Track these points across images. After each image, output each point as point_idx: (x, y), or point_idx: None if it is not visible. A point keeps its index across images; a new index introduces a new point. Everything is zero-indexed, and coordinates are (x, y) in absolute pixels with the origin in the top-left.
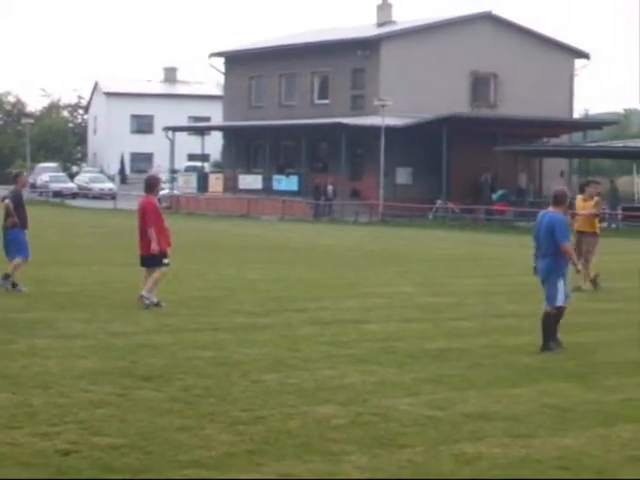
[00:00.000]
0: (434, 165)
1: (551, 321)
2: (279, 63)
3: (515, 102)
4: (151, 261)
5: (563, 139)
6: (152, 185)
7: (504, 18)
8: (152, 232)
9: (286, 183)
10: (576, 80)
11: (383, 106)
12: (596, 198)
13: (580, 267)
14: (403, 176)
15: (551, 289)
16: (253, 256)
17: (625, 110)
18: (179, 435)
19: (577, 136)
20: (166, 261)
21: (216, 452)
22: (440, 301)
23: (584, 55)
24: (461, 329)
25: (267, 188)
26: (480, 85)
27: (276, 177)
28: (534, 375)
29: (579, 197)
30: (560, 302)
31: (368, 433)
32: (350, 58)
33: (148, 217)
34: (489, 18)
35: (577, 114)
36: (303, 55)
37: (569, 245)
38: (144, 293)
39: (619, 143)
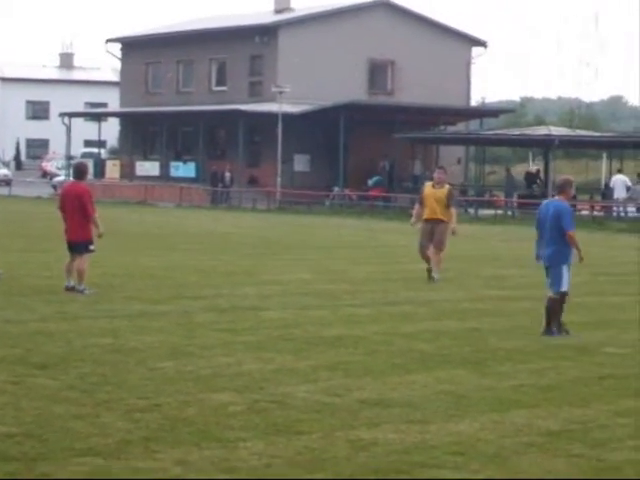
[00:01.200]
0: (332, 152)
1: (556, 307)
2: (176, 49)
3: (412, 89)
4: (79, 247)
5: (460, 127)
6: (83, 172)
7: (401, 6)
8: (96, 218)
9: (184, 170)
10: (473, 68)
11: (281, 93)
12: (447, 186)
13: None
14: (301, 163)
15: (556, 276)
16: (150, 243)
17: (521, 98)
18: (75, 423)
19: (474, 124)
20: (92, 247)
21: (112, 439)
22: (337, 288)
23: (481, 43)
24: (358, 316)
25: (164, 175)
26: (377, 72)
27: (173, 164)
28: (429, 362)
29: (428, 184)
30: (564, 288)
31: (265, 420)
32: (248, 45)
33: (90, 204)
34: (386, 6)
35: (474, 102)
36: (201, 41)
37: (574, 233)
38: (78, 286)
39: (515, 131)
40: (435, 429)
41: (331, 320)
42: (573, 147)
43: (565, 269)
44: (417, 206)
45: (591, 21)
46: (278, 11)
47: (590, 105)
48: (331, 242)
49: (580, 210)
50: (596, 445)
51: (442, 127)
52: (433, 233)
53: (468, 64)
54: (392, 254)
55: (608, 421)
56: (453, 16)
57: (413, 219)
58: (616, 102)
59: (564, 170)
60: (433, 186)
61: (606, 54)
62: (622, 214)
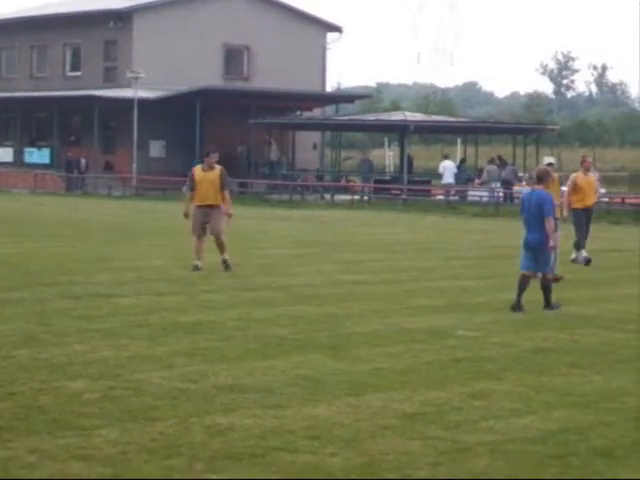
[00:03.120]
0: (188, 138)
1: (549, 284)
2: (30, 34)
3: (268, 75)
4: None
5: (316, 112)
6: None
7: None
8: None
9: (38, 156)
10: (329, 54)
11: (136, 78)
12: (218, 167)
13: (552, 243)
14: (157, 149)
15: (544, 258)
16: (3, 230)
17: (377, 84)
18: None
19: (330, 109)
20: None
21: None
22: (192, 274)
23: (336, 29)
24: (213, 302)
25: (18, 161)
26: (233, 58)
27: (28, 150)
28: (286, 347)
29: (197, 167)
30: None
31: (120, 407)
32: (102, 30)
33: None
34: None
35: (330, 87)
36: (55, 26)
37: (552, 221)
38: None
39: (371, 116)
40: (291, 414)
41: (187, 306)
42: (428, 132)
43: (552, 253)
44: (189, 192)
45: (446, 7)
46: None
47: (445, 91)
48: (186, 228)
49: (435, 195)
50: (451, 427)
51: (298, 113)
52: (208, 221)
53: (323, 50)
54: (249, 239)
55: (462, 403)
56: (309, 2)
57: (185, 209)
58: (470, 88)
59: (420, 155)
60: (203, 169)
61: (461, 41)
62: (477, 198)
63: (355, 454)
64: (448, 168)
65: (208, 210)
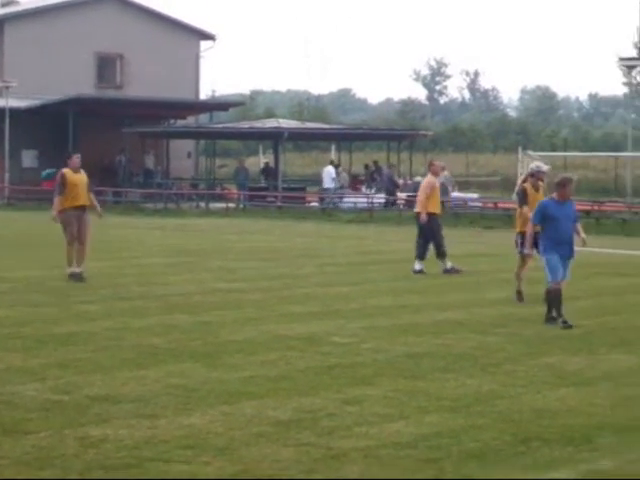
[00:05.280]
0: (61, 147)
1: (546, 296)
2: None
3: (142, 83)
4: None
5: (190, 120)
6: None
7: (130, 0)
8: None
9: None
10: (202, 62)
11: (7, 87)
12: (81, 170)
13: (528, 251)
14: (29, 159)
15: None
16: None
17: (251, 91)
18: None
19: (204, 117)
20: None
21: None
22: (67, 285)
23: (209, 37)
24: (88, 312)
25: None
26: (106, 66)
27: None
28: (160, 356)
29: (67, 170)
30: (549, 278)
31: None
32: None
33: None
34: (115, 0)
35: (204, 95)
36: None
37: (531, 226)
38: None
39: (245, 124)
40: (165, 423)
41: (62, 317)
42: (302, 139)
43: (545, 261)
44: (58, 196)
45: (322, 13)
46: (4, 4)
47: (319, 98)
48: (61, 238)
49: (310, 202)
50: (325, 433)
51: (172, 121)
52: (80, 224)
53: (197, 58)
54: (124, 249)
55: (336, 409)
56: (182, 10)
57: (54, 212)
58: (344, 94)
59: (294, 162)
60: (73, 171)
61: (334, 48)
62: (349, 205)
63: (229, 462)
64: (327, 173)
65: (81, 213)
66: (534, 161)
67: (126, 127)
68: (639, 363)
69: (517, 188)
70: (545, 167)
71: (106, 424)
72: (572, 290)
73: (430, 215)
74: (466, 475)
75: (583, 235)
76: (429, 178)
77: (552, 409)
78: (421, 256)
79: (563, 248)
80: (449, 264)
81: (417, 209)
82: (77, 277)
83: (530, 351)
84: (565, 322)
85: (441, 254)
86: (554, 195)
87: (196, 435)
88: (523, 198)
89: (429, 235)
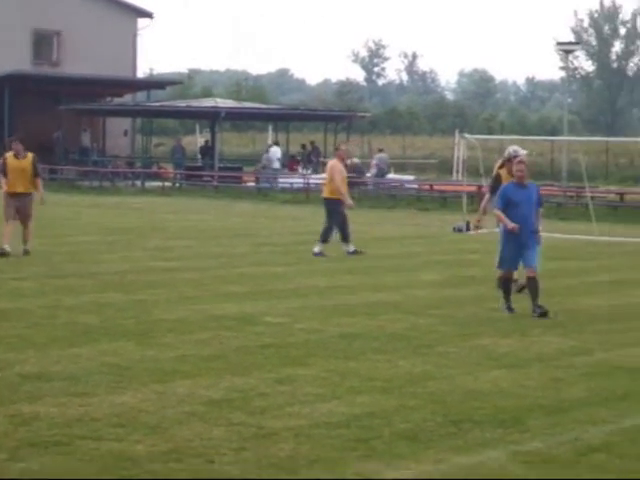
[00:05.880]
0: None
1: (499, 283)
2: None
3: (79, 61)
4: None
5: (127, 98)
6: None
7: None
8: None
9: None
10: (140, 40)
11: None
12: (30, 154)
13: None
14: None
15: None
16: None
17: (189, 70)
18: None
19: (141, 95)
20: None
21: None
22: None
23: (147, 14)
24: (21, 289)
25: None
26: (43, 43)
27: None
28: (93, 334)
29: (9, 154)
30: (497, 265)
31: None
32: None
33: None
34: None
35: (142, 74)
36: None
37: (497, 211)
38: None
39: (182, 103)
40: (97, 401)
41: None
42: (240, 119)
43: (499, 246)
44: (2, 179)
45: None
46: None
47: (258, 78)
48: None
49: (246, 182)
50: (256, 412)
51: (109, 99)
52: (20, 206)
53: (134, 35)
54: (59, 226)
55: (268, 389)
56: None
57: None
58: (283, 75)
59: (231, 141)
60: (16, 157)
61: (273, 27)
62: (286, 185)
63: (160, 440)
64: (272, 154)
65: (19, 196)
66: (510, 145)
67: (63, 104)
68: (571, 345)
69: (493, 173)
70: (522, 151)
71: (38, 402)
72: None
73: (337, 200)
74: (397, 455)
75: (540, 227)
76: (334, 162)
77: (484, 391)
78: (327, 240)
79: (524, 234)
80: (352, 247)
81: (327, 194)
82: (2, 253)
83: (463, 333)
84: (541, 309)
85: (345, 237)
86: (513, 180)
87: (128, 413)
88: (493, 183)
89: (335, 219)
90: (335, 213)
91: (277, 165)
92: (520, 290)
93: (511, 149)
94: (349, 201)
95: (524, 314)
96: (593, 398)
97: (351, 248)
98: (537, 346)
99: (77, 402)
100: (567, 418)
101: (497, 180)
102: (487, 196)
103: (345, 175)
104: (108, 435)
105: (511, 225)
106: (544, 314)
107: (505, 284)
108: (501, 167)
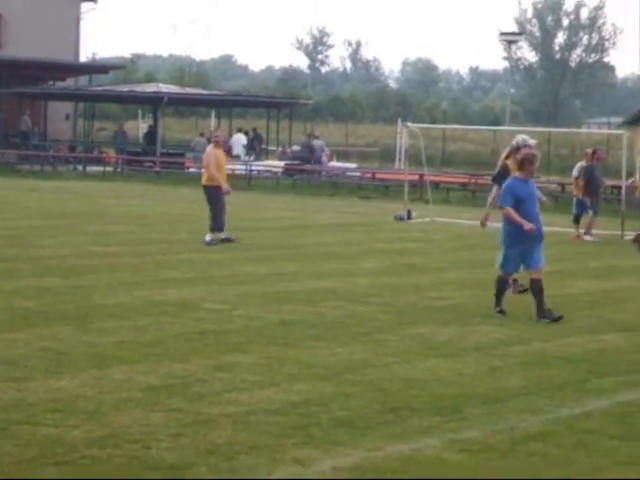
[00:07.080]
0: None
1: (497, 284)
2: None
3: (21, 44)
4: None
5: (69, 82)
6: None
7: None
8: None
9: None
10: (83, 24)
11: None
12: None
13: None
14: None
15: (501, 254)
16: None
17: (132, 55)
18: None
19: (84, 80)
20: None
21: None
22: None
23: None
24: None
25: None
26: None
27: None
28: (32, 319)
29: None
30: (498, 268)
31: None
32: None
33: None
34: None
35: (85, 58)
36: None
37: (506, 209)
38: None
39: (125, 87)
40: (34, 386)
41: None
42: (183, 105)
43: (503, 251)
44: None
45: None
46: None
47: (201, 63)
48: None
49: (188, 168)
50: (195, 399)
51: (51, 82)
52: None
53: (77, 19)
54: None
55: (207, 375)
56: None
57: None
58: (226, 61)
59: (174, 127)
60: None
61: (216, 13)
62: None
63: (97, 426)
64: (237, 141)
65: None
66: (519, 135)
67: (3, 88)
68: (509, 335)
69: (498, 164)
70: (532, 141)
71: None
72: (444, 262)
73: (215, 187)
74: (335, 442)
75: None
76: (210, 149)
77: (422, 379)
78: (220, 228)
79: (532, 234)
80: (209, 237)
81: (205, 182)
82: None
83: (402, 321)
84: (551, 314)
85: (217, 227)
86: (518, 174)
87: (65, 398)
88: (499, 176)
89: (212, 206)
90: (215, 200)
91: (241, 152)
92: (522, 292)
93: (520, 138)
94: (226, 187)
95: (462, 303)
96: (530, 387)
97: (208, 237)
98: (475, 335)
99: (14, 387)
100: (504, 407)
101: (505, 172)
102: (494, 189)
103: (224, 162)
104: (45, 420)
105: (529, 226)
106: (558, 318)
107: (501, 286)
108: (507, 157)
